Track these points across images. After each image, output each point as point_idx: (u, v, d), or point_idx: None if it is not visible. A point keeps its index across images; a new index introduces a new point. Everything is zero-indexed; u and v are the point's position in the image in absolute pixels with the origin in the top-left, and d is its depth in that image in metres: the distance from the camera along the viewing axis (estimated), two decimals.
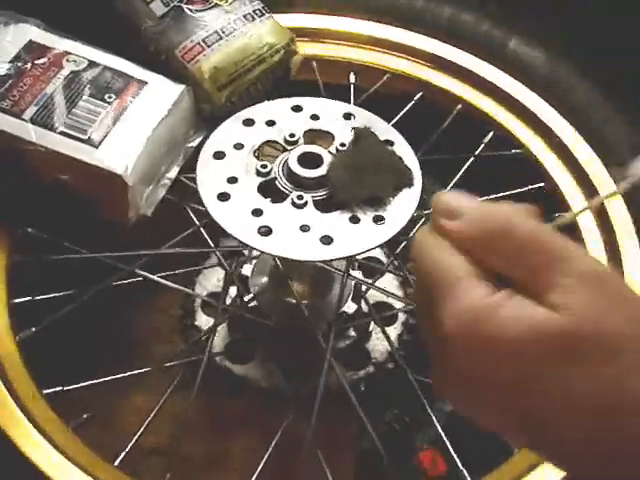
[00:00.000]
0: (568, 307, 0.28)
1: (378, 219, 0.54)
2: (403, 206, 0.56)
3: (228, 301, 0.70)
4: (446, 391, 0.34)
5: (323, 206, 0.55)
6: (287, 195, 0.56)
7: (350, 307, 0.69)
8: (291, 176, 0.56)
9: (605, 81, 0.70)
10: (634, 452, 0.28)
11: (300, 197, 0.55)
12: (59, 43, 0.63)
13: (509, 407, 0.30)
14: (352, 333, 0.71)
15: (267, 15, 0.68)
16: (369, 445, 0.59)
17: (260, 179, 0.57)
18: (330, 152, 0.58)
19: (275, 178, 0.57)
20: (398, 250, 0.72)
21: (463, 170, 0.73)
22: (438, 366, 0.33)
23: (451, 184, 0.73)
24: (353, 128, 0.59)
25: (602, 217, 0.66)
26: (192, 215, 0.67)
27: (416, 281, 0.35)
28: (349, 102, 0.75)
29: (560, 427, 0.30)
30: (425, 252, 0.33)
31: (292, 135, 0.59)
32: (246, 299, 0.68)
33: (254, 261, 0.71)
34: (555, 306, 0.29)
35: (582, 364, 0.28)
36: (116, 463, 0.54)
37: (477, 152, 0.74)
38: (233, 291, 0.70)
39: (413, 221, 0.69)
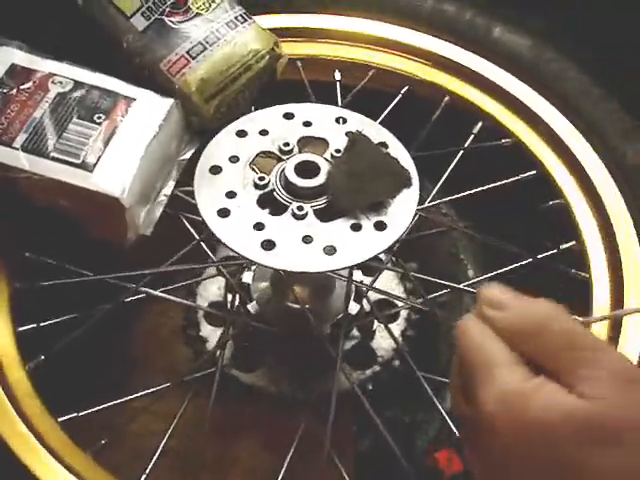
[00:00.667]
0: (596, 396, 0.32)
1: (379, 225, 0.55)
2: (402, 209, 0.56)
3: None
4: (480, 468, 0.36)
5: (324, 215, 0.56)
6: (287, 206, 0.56)
7: (353, 307, 0.69)
8: (289, 187, 0.56)
9: (592, 66, 0.71)
10: None
11: (300, 208, 0.55)
12: (43, 65, 0.62)
13: None
14: (356, 333, 0.72)
15: (250, 21, 0.68)
16: (373, 445, 0.60)
17: (259, 192, 0.57)
18: (326, 159, 0.58)
19: (273, 190, 0.57)
20: (396, 247, 0.72)
21: (454, 164, 0.73)
22: (471, 441, 0.36)
23: (442, 178, 0.73)
24: (347, 134, 0.59)
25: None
26: (191, 229, 0.67)
27: (456, 361, 0.38)
28: (336, 100, 0.75)
29: None
30: (469, 335, 0.36)
31: (286, 144, 0.59)
32: (250, 308, 0.68)
33: (254, 267, 0.71)
34: (585, 395, 0.32)
35: (607, 447, 0.31)
36: None
37: (466, 145, 0.74)
38: (236, 299, 0.70)
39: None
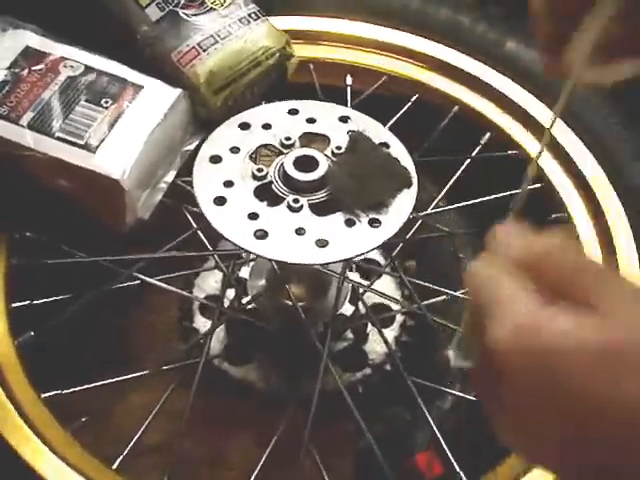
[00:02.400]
0: (617, 316, 0.29)
1: (374, 222, 0.55)
2: (399, 208, 0.56)
3: (226, 303, 0.70)
4: (502, 419, 0.32)
5: (319, 209, 0.56)
6: (283, 199, 0.56)
7: (347, 309, 0.69)
8: (287, 179, 0.57)
9: None
10: None
11: (296, 200, 0.55)
12: (56, 49, 0.63)
13: (568, 418, 0.30)
14: (350, 335, 0.71)
15: (262, 18, 0.69)
16: (367, 446, 0.60)
17: (256, 183, 0.57)
18: (326, 155, 0.58)
19: (271, 182, 0.57)
20: (395, 252, 0.72)
21: (460, 171, 0.73)
22: (488, 391, 0.33)
23: (448, 185, 0.73)
24: (349, 133, 0.59)
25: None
26: (190, 218, 0.67)
27: (467, 308, 0.35)
28: (346, 104, 0.76)
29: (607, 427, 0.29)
30: (478, 275, 0.33)
31: (288, 138, 0.59)
32: (244, 302, 0.68)
33: (252, 264, 0.71)
34: (605, 314, 0.29)
35: (629, 374, 0.28)
36: (114, 466, 0.55)
37: (474, 153, 0.74)
38: (231, 293, 0.70)
39: (411, 222, 0.70)
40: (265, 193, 0.57)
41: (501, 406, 0.32)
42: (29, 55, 0.63)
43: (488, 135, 0.75)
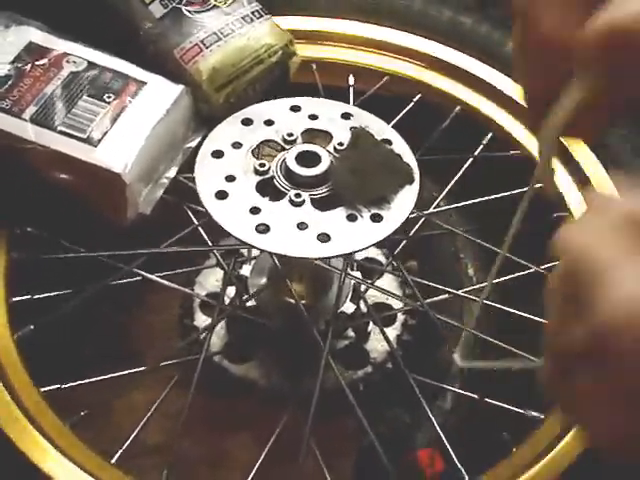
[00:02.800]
0: None
1: (376, 217, 0.55)
2: (401, 204, 0.56)
3: (227, 301, 0.70)
4: (608, 404, 0.26)
5: (320, 204, 0.56)
6: (285, 193, 0.56)
7: (349, 307, 0.69)
8: (289, 174, 0.57)
9: None
10: None
11: (298, 195, 0.55)
12: (59, 44, 0.64)
13: None
14: (351, 333, 0.71)
15: (266, 17, 0.69)
16: (369, 444, 0.59)
17: (258, 178, 0.57)
18: (328, 151, 0.58)
19: (273, 177, 0.57)
20: (397, 250, 0.72)
21: (462, 171, 0.73)
22: (593, 372, 0.26)
23: (450, 185, 0.73)
24: (351, 129, 0.59)
25: None
26: (191, 215, 0.67)
27: (554, 279, 0.28)
28: (348, 104, 0.76)
29: None
30: (573, 241, 0.27)
31: (290, 134, 0.59)
32: (244, 299, 0.68)
33: (253, 261, 0.71)
34: None
35: None
36: (113, 461, 0.54)
37: (476, 153, 0.74)
38: (232, 291, 0.70)
39: (412, 221, 0.70)
40: (267, 188, 0.57)
41: (606, 395, 0.26)
42: (32, 50, 0.63)
43: (490, 135, 0.75)
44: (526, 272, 0.66)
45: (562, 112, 0.31)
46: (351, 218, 0.55)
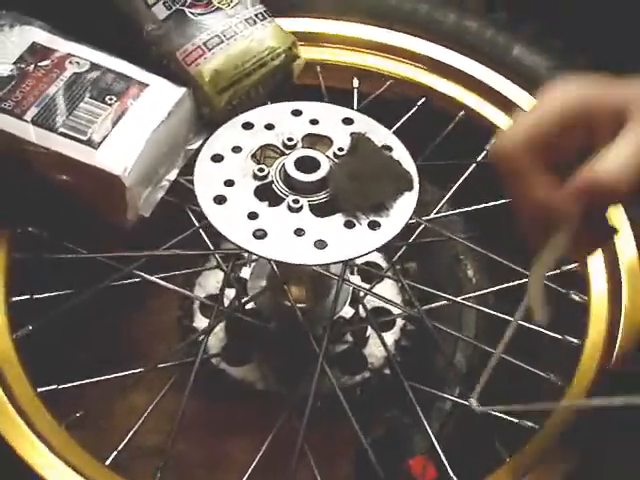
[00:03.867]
0: None
1: (374, 224, 0.55)
2: (399, 211, 0.55)
3: (226, 303, 0.70)
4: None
5: (319, 210, 0.56)
6: (283, 199, 0.56)
7: (348, 312, 0.69)
8: (288, 180, 0.56)
9: None
10: None
11: (296, 201, 0.55)
12: (62, 45, 0.64)
13: None
14: (349, 338, 0.71)
15: (269, 19, 0.69)
16: (365, 449, 0.59)
17: (257, 182, 0.57)
18: (327, 156, 0.58)
19: (272, 182, 0.57)
20: (396, 257, 0.72)
21: (465, 176, 0.73)
22: None
23: (452, 189, 0.73)
24: (351, 135, 0.59)
25: None
26: (192, 217, 0.67)
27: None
28: (352, 107, 0.76)
29: None
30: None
31: (290, 139, 0.59)
32: (243, 302, 0.68)
33: (253, 264, 0.71)
34: None
35: None
36: (108, 462, 0.55)
37: (479, 158, 0.73)
38: (231, 293, 0.70)
39: (411, 227, 0.70)
40: (265, 193, 0.57)
41: None
42: (35, 51, 0.63)
43: (493, 140, 0.74)
44: (525, 280, 0.66)
45: (548, 257, 0.42)
46: (349, 225, 0.55)
